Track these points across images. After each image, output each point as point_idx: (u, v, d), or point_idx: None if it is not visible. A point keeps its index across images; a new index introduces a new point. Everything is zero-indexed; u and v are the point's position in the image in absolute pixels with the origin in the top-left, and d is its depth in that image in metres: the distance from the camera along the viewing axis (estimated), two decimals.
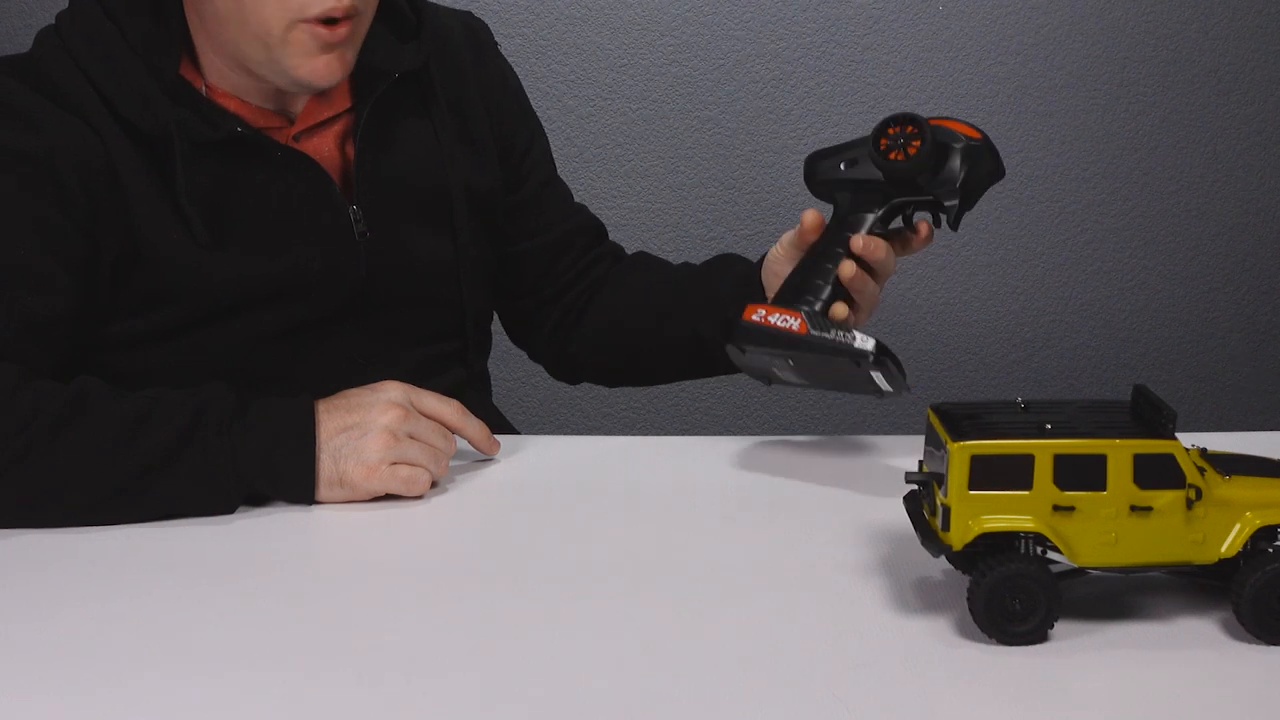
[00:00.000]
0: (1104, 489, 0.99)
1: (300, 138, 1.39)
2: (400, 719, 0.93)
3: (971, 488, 0.99)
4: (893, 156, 1.31)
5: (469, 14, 1.58)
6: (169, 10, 1.35)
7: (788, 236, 1.41)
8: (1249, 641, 1.00)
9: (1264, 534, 1.01)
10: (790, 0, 2.46)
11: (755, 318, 1.30)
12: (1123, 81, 2.54)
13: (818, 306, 1.31)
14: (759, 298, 1.41)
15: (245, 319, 1.36)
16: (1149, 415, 1.02)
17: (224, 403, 1.24)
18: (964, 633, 1.02)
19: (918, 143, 1.30)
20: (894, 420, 2.61)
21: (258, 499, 1.25)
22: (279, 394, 1.27)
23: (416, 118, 1.45)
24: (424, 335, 1.48)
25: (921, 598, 1.08)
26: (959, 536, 1.00)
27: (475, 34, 1.55)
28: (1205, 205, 2.60)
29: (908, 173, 1.31)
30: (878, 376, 1.27)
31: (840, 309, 1.32)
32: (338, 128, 1.42)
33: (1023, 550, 1.00)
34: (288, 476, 1.24)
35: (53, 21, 1.36)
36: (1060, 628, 1.01)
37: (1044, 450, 0.99)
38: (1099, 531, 0.99)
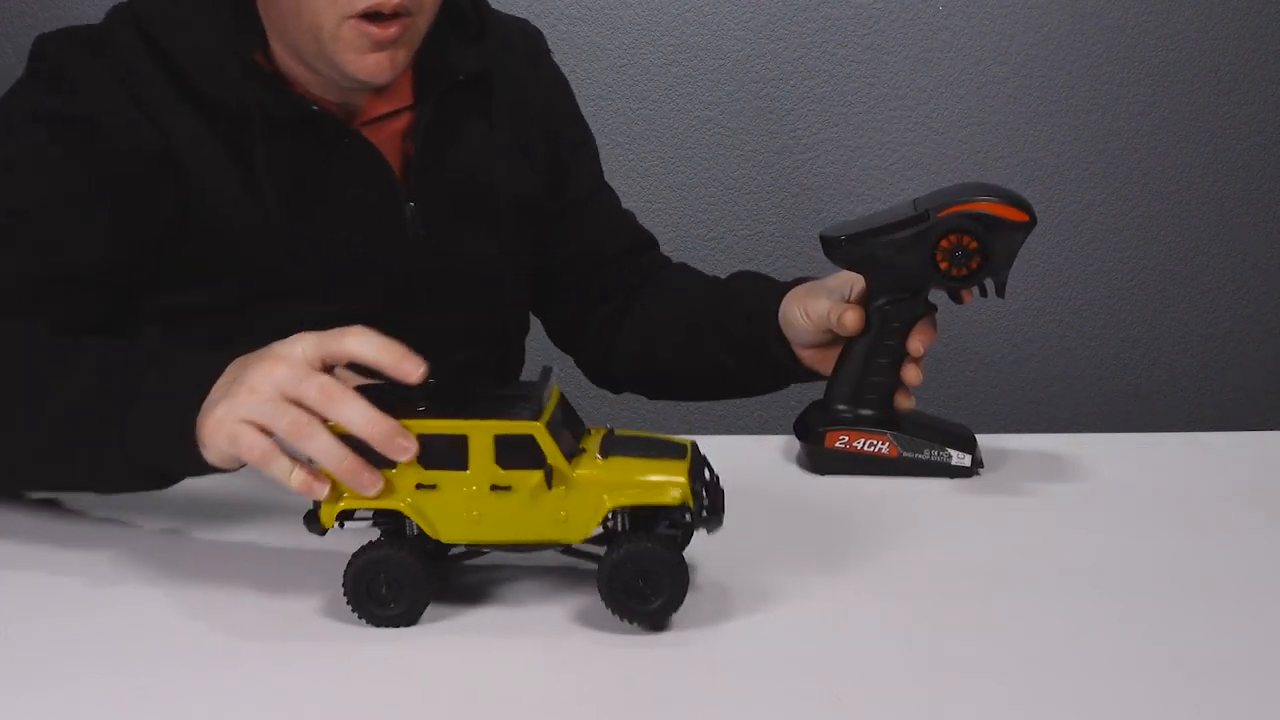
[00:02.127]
0: (465, 468, 1.00)
1: (361, 130, 1.41)
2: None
3: None
4: (955, 274, 1.29)
5: (525, 21, 1.61)
6: None
7: (817, 313, 1.37)
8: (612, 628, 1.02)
9: (649, 513, 1.02)
10: (790, 0, 2.46)
11: (839, 445, 1.32)
12: (1123, 81, 2.54)
13: (890, 414, 1.34)
14: (774, 327, 1.42)
15: (292, 305, 1.36)
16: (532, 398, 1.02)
17: (141, 354, 1.14)
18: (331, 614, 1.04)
19: (979, 260, 1.28)
20: None
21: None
22: None
23: (475, 120, 1.47)
24: (464, 339, 1.48)
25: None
26: (329, 514, 1.02)
27: (531, 40, 1.59)
28: (1205, 205, 2.60)
29: (967, 285, 1.30)
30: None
31: (904, 401, 1.36)
32: (398, 124, 1.43)
33: (409, 531, 1.02)
34: (164, 429, 1.07)
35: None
36: (431, 611, 1.03)
37: (408, 430, 1.00)
38: (462, 509, 1.01)
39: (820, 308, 1.37)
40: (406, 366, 1.02)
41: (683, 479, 1.01)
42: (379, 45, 1.31)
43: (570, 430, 1.04)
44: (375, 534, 1.04)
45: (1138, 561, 1.16)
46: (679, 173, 2.50)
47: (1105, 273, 2.60)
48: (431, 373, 1.25)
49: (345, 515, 1.03)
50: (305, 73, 1.37)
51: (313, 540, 1.06)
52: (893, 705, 0.93)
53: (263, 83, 1.35)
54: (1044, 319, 2.61)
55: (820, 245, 1.33)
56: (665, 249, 1.70)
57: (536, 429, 1.00)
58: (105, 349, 1.17)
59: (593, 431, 1.06)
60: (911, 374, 1.35)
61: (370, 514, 1.03)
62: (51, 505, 1.25)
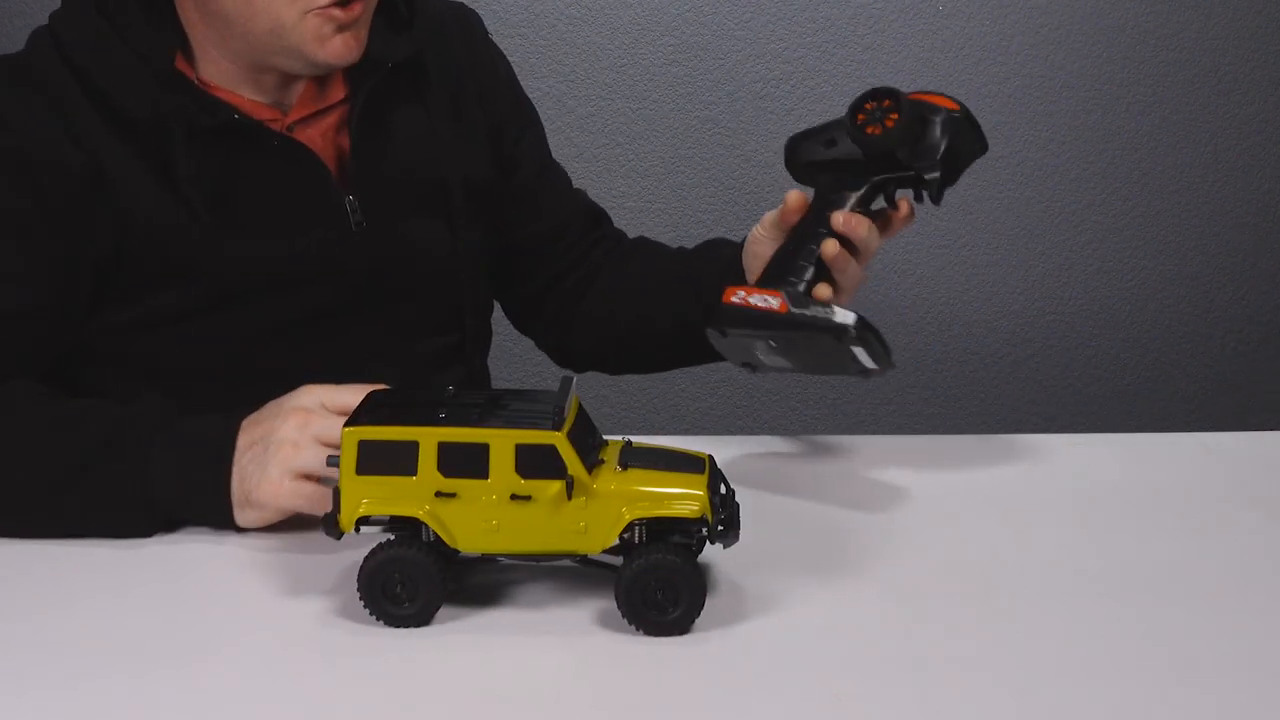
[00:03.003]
0: (486, 477, 1.00)
1: (294, 128, 1.39)
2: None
3: (360, 472, 1.01)
4: (870, 131, 1.29)
5: (460, 4, 1.58)
6: (161, 6, 1.36)
7: (769, 217, 1.39)
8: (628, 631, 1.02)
9: (666, 525, 1.02)
10: (790, 0, 2.46)
11: (735, 299, 1.29)
12: (1123, 81, 2.54)
13: (800, 287, 1.28)
14: (740, 280, 1.40)
15: (244, 309, 1.36)
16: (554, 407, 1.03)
17: (149, 418, 1.22)
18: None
19: (894, 115, 1.28)
20: (894, 420, 2.61)
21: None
22: (280, 392, 1.26)
23: (411, 108, 1.46)
24: (424, 329, 1.48)
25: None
26: (347, 519, 1.02)
27: (466, 23, 1.56)
28: (1205, 205, 2.60)
29: (886, 146, 1.29)
30: (860, 353, 1.24)
31: (824, 289, 1.29)
32: (332, 119, 1.42)
33: (425, 538, 1.02)
34: (199, 501, 1.19)
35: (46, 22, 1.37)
36: (443, 612, 1.03)
37: (429, 437, 1.00)
38: (480, 519, 1.01)
39: (770, 216, 1.38)
40: None
41: (702, 493, 1.02)
42: (343, 27, 1.32)
43: (589, 441, 1.04)
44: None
45: (1138, 561, 1.16)
46: (679, 173, 2.50)
47: (1105, 273, 2.60)
48: (395, 366, 1.25)
49: (363, 520, 1.03)
50: (238, 74, 1.37)
51: (330, 541, 1.06)
52: (899, 706, 0.93)
53: (184, 92, 1.33)
54: (1044, 319, 2.61)
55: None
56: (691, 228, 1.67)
57: (558, 439, 1.00)
58: (102, 409, 1.23)
59: (610, 443, 1.06)
60: (829, 247, 1.29)
61: (386, 520, 1.04)
62: None
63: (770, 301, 1.28)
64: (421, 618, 1.02)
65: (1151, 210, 2.59)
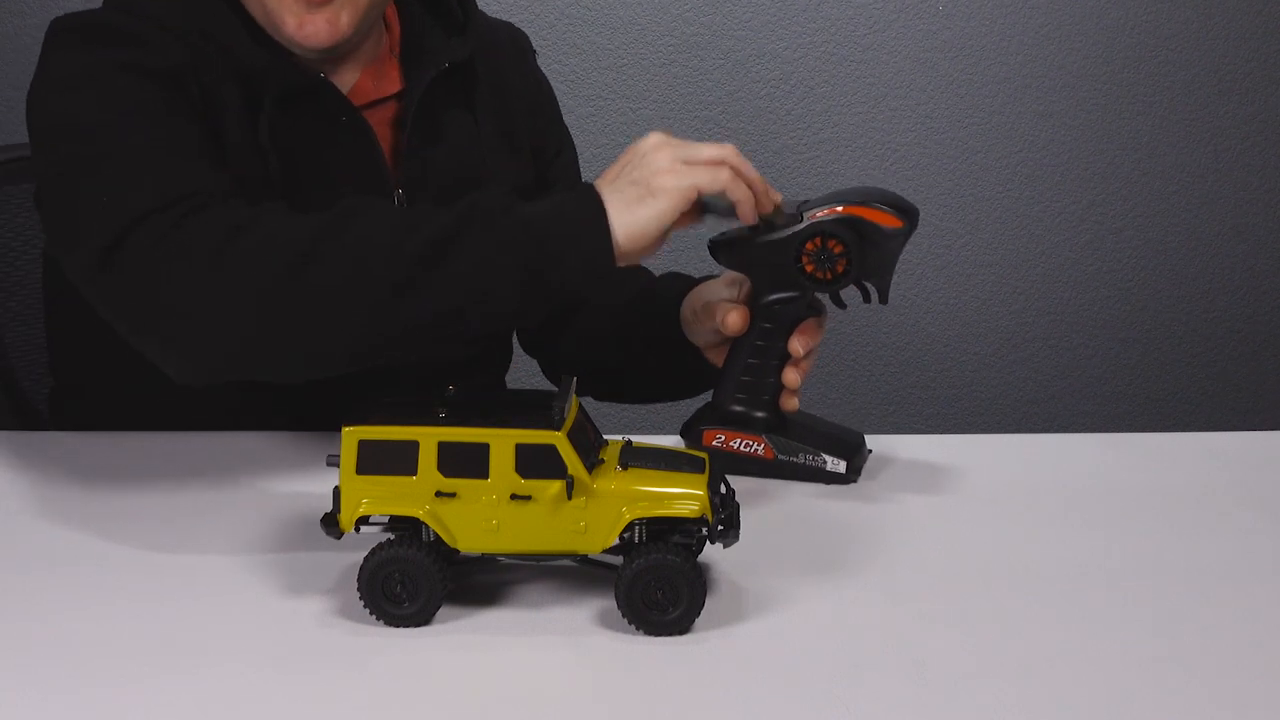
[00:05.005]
0: (486, 477, 1.00)
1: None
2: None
3: (360, 472, 1.01)
4: (820, 277, 1.27)
5: (511, 25, 1.62)
6: None
7: (703, 311, 1.37)
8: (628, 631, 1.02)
9: (666, 525, 1.02)
10: (790, 0, 2.46)
11: (715, 444, 1.31)
12: (1123, 81, 2.54)
13: (774, 417, 1.31)
14: (683, 345, 1.41)
15: None
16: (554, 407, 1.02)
17: (498, 190, 1.21)
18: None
19: (844, 263, 1.26)
20: (894, 420, 2.61)
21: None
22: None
23: (460, 111, 1.48)
24: None
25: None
26: (347, 519, 1.02)
27: (517, 42, 1.61)
28: (1205, 205, 2.60)
29: (833, 289, 1.28)
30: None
31: (791, 402, 1.32)
32: (385, 112, 1.44)
33: (425, 538, 1.02)
34: (573, 213, 1.15)
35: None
36: (443, 612, 1.03)
37: (429, 437, 1.00)
38: (480, 519, 1.01)
39: (708, 308, 1.37)
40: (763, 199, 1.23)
41: (702, 492, 1.02)
42: (315, 7, 1.32)
43: (589, 441, 1.04)
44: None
45: (1138, 561, 1.16)
46: None
47: (1105, 273, 2.60)
48: (422, 369, 1.24)
49: (362, 520, 1.03)
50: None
51: (329, 541, 1.06)
52: (899, 706, 0.93)
53: (270, 47, 1.35)
54: (1044, 319, 2.61)
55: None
56: (665, 248, 1.68)
57: (558, 439, 1.00)
58: (433, 209, 1.18)
59: (610, 442, 1.06)
60: (790, 376, 1.31)
61: (386, 519, 1.04)
62: (60, 508, 1.24)
63: (754, 448, 1.31)
64: (421, 618, 1.02)
65: (1151, 210, 2.59)
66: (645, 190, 1.16)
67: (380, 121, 1.43)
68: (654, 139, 1.20)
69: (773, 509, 1.26)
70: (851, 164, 2.50)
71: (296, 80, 1.35)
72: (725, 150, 1.20)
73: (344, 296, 1.14)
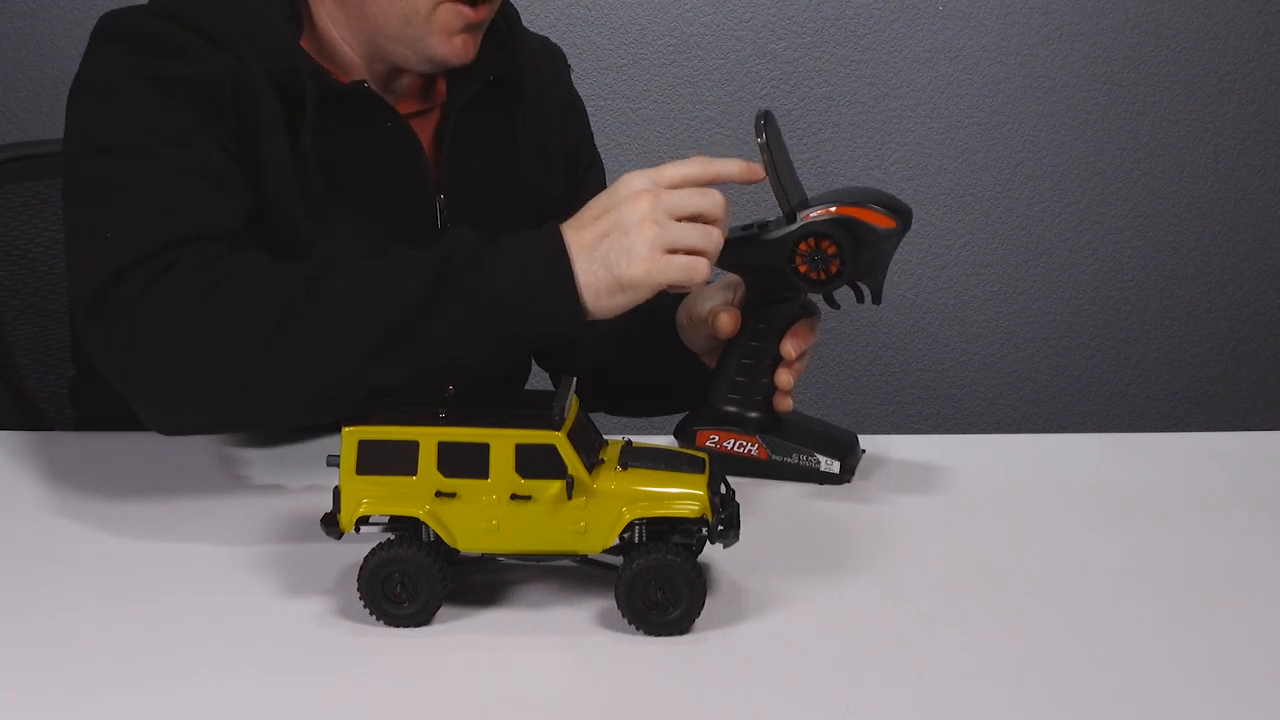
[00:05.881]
0: (486, 477, 1.00)
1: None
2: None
3: (360, 472, 1.01)
4: (812, 276, 1.26)
5: (548, 39, 1.64)
6: None
7: (696, 314, 1.38)
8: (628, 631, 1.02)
9: (666, 525, 1.02)
10: (790, 0, 2.46)
11: (709, 444, 1.31)
12: (1123, 81, 2.54)
13: (764, 416, 1.31)
14: (680, 349, 1.42)
15: None
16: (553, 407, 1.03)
17: (468, 240, 1.19)
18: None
19: (837, 264, 1.26)
20: (894, 420, 2.61)
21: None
22: None
23: (500, 123, 1.50)
24: None
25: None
26: (347, 519, 1.02)
27: (553, 57, 1.63)
28: (1205, 205, 2.60)
29: (827, 290, 1.28)
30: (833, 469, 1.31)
31: (784, 402, 1.32)
32: (430, 121, 1.46)
33: (425, 537, 1.02)
34: (547, 294, 1.15)
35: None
36: (443, 612, 1.03)
37: (429, 437, 1.00)
38: (480, 519, 1.01)
39: (700, 311, 1.37)
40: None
41: (702, 492, 1.02)
42: (469, 27, 1.36)
43: (589, 441, 1.04)
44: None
45: (1138, 561, 1.16)
46: None
47: (1105, 273, 2.60)
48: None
49: (362, 520, 1.03)
50: (353, 59, 1.40)
51: (329, 541, 1.06)
52: (899, 705, 0.93)
53: (309, 60, 1.37)
54: (1044, 319, 2.61)
55: None
56: None
57: (558, 439, 1.00)
58: (404, 255, 1.18)
59: (610, 443, 1.06)
60: (783, 378, 1.31)
61: (386, 519, 1.04)
62: (62, 507, 1.24)
63: (748, 448, 1.31)
64: (421, 618, 1.02)
65: (1151, 210, 2.59)
66: (615, 284, 1.15)
67: (425, 128, 1.45)
68: (636, 184, 1.18)
69: (770, 509, 1.26)
70: (851, 164, 2.50)
71: (340, 88, 1.36)
72: (709, 237, 1.19)
73: (317, 366, 1.15)
